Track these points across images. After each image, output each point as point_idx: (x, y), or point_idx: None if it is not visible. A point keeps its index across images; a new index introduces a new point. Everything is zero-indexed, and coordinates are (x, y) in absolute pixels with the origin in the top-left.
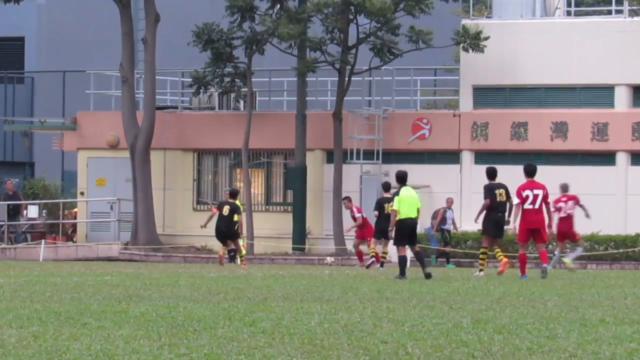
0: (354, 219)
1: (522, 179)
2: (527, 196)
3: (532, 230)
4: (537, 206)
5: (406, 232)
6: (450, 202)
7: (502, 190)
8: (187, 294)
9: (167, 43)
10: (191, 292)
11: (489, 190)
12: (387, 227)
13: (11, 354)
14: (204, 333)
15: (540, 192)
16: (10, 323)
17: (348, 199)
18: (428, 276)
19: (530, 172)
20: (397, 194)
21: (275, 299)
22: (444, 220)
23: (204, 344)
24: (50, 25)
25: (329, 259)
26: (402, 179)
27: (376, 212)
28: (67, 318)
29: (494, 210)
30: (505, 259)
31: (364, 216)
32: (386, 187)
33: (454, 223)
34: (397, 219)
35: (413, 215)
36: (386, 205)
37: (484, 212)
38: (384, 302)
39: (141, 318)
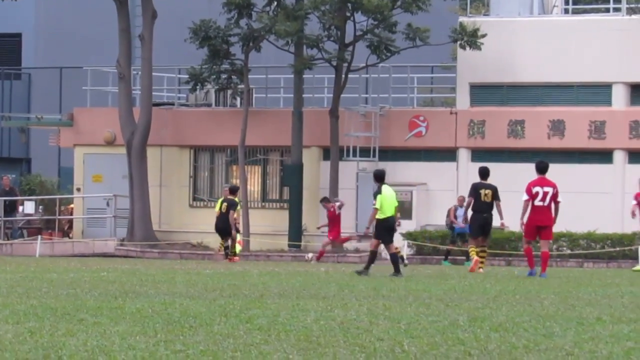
0: (334, 217)
1: (519, 177)
2: (537, 193)
3: (539, 227)
4: (546, 203)
5: (390, 229)
6: (461, 200)
7: (488, 191)
8: (183, 290)
9: (164, 40)
10: (187, 289)
11: (474, 189)
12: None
13: (7, 349)
14: (200, 330)
15: (550, 190)
16: (6, 319)
17: (326, 199)
18: (359, 274)
19: (541, 169)
20: (379, 192)
21: (272, 296)
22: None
23: (200, 341)
24: (47, 21)
25: (309, 255)
26: (381, 177)
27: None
28: (63, 314)
29: (479, 211)
30: (476, 262)
31: (338, 213)
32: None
33: (465, 220)
34: (382, 217)
35: (394, 213)
36: None
37: (471, 212)
38: (380, 300)
39: (137, 314)
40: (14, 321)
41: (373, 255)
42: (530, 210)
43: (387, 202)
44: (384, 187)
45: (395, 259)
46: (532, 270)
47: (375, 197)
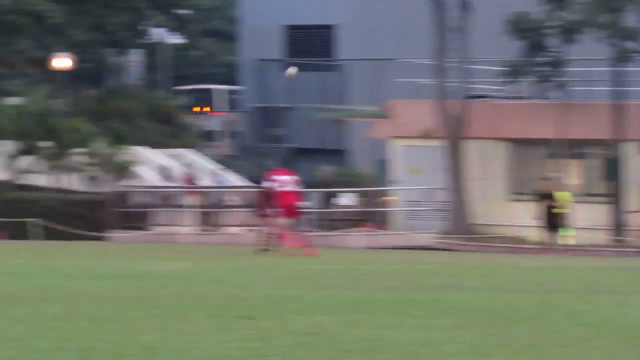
0: None
1: None
2: None
3: None
4: None
5: None
6: None
7: None
8: (504, 284)
9: (478, 31)
10: (508, 282)
11: None
12: None
13: (329, 340)
14: (523, 324)
15: None
16: (328, 310)
17: None
18: None
19: None
20: None
21: (597, 291)
22: None
23: (524, 335)
24: (362, 13)
25: None
26: None
27: None
28: (385, 306)
29: None
30: None
31: None
32: None
33: None
34: None
35: None
36: None
37: None
38: None
39: (461, 308)
40: (336, 312)
41: None
42: None
43: None
44: None
45: None
46: None
47: None
